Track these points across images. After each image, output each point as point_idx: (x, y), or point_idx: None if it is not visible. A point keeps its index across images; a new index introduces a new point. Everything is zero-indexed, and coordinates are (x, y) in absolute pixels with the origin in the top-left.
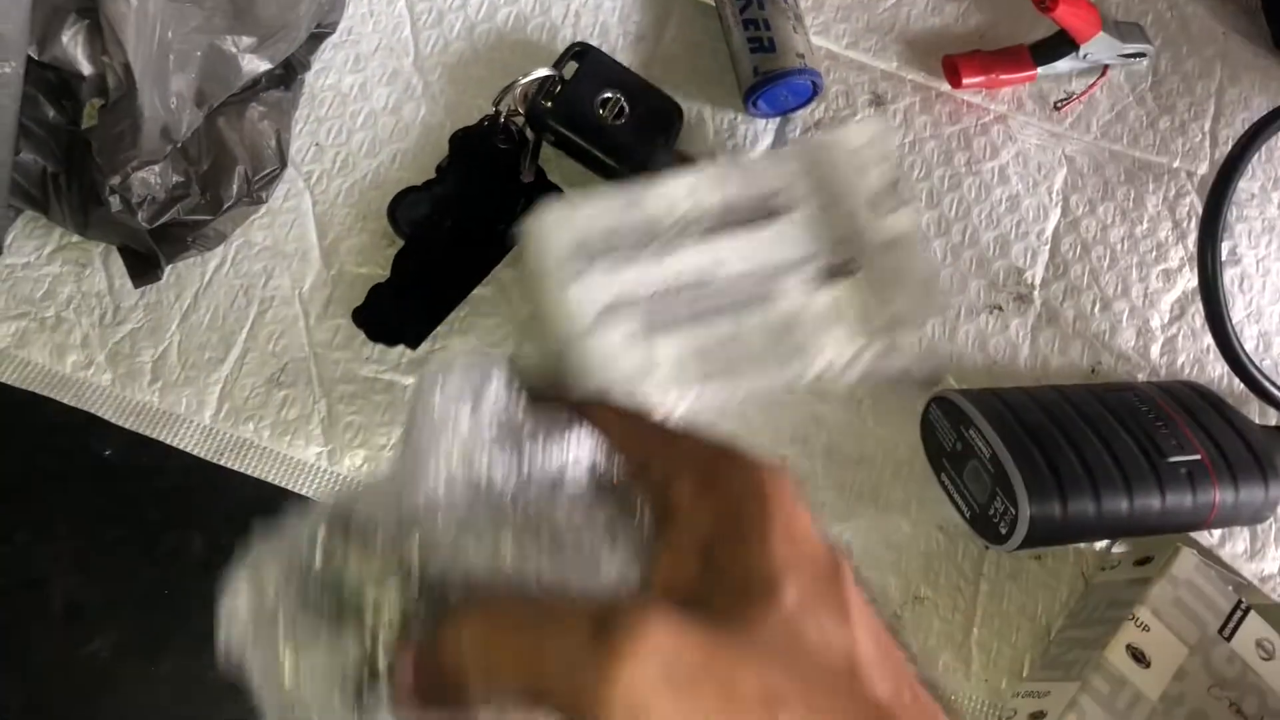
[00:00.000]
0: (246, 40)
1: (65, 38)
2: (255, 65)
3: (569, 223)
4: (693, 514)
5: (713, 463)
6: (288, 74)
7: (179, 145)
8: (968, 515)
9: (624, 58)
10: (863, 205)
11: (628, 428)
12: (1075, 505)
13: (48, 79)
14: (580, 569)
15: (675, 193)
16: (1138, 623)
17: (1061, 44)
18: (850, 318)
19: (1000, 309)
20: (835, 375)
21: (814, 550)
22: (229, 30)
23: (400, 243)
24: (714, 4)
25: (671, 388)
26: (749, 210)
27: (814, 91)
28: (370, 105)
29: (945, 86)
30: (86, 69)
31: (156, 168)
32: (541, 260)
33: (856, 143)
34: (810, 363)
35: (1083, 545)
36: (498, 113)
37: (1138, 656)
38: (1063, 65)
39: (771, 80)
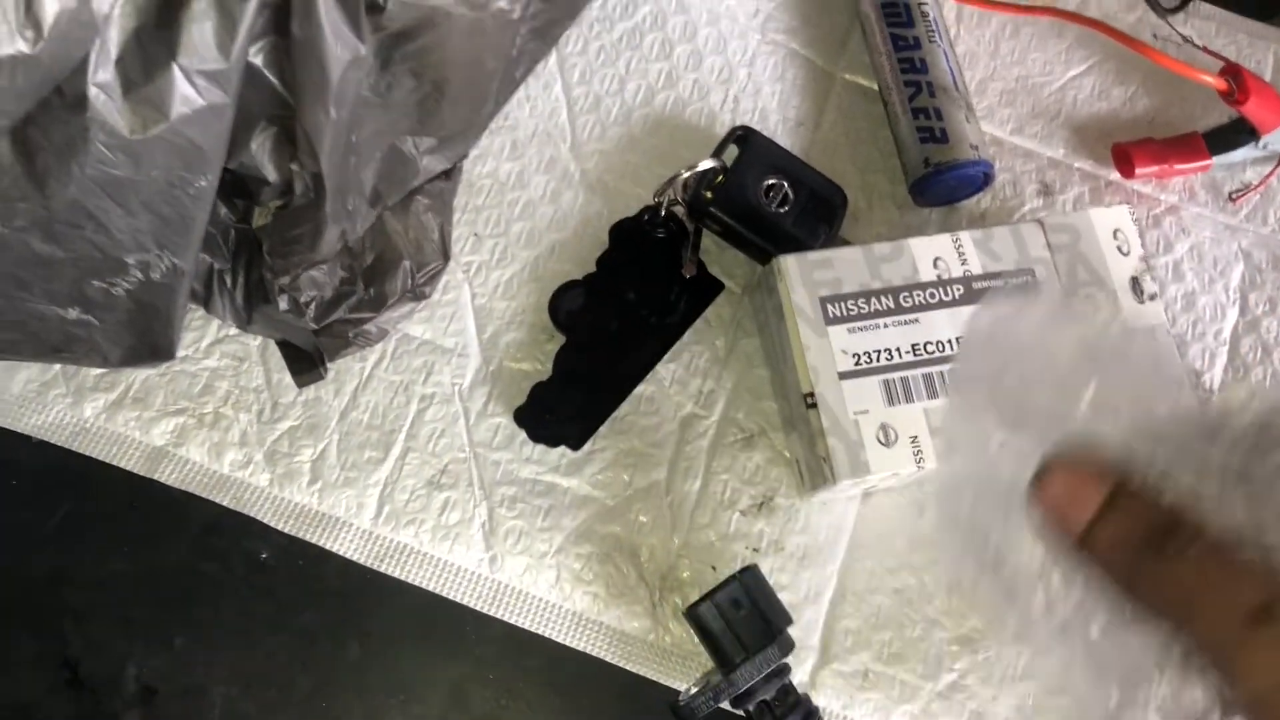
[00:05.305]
0: (427, 142)
1: (254, 145)
2: (433, 166)
3: (821, 271)
4: None
5: None
6: None
7: (348, 245)
8: None
9: (783, 144)
10: (1115, 290)
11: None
12: None
13: (222, 178)
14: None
15: (921, 260)
16: None
17: (1241, 132)
18: None
19: None
20: None
21: None
22: (411, 132)
23: (559, 338)
24: (878, 90)
25: (907, 462)
26: (995, 284)
27: (985, 182)
28: (528, 194)
29: (1114, 175)
30: (272, 175)
31: (325, 266)
32: (792, 299)
33: (1108, 227)
34: None
35: None
36: (658, 204)
37: None
38: (1238, 154)
39: (943, 171)
